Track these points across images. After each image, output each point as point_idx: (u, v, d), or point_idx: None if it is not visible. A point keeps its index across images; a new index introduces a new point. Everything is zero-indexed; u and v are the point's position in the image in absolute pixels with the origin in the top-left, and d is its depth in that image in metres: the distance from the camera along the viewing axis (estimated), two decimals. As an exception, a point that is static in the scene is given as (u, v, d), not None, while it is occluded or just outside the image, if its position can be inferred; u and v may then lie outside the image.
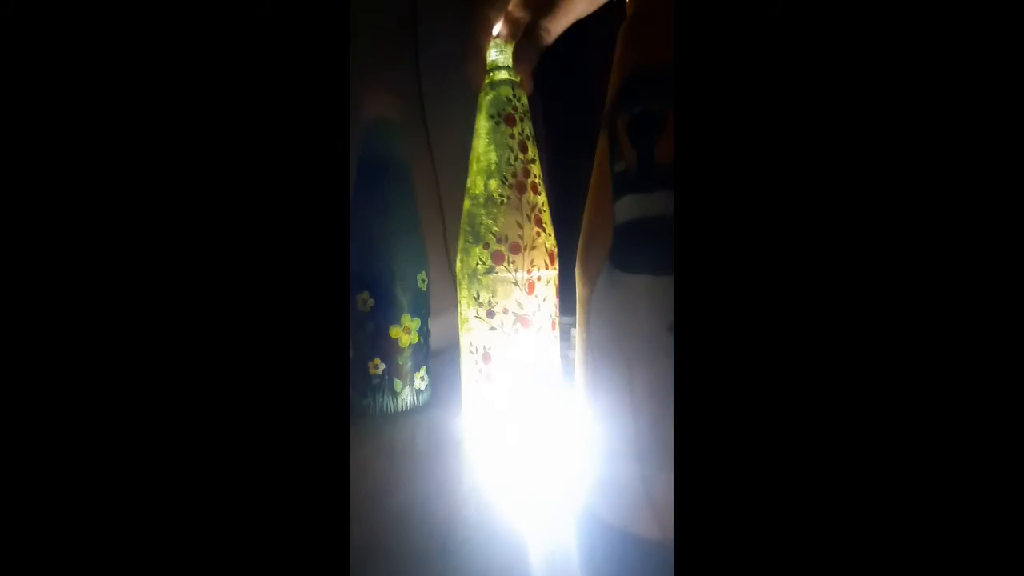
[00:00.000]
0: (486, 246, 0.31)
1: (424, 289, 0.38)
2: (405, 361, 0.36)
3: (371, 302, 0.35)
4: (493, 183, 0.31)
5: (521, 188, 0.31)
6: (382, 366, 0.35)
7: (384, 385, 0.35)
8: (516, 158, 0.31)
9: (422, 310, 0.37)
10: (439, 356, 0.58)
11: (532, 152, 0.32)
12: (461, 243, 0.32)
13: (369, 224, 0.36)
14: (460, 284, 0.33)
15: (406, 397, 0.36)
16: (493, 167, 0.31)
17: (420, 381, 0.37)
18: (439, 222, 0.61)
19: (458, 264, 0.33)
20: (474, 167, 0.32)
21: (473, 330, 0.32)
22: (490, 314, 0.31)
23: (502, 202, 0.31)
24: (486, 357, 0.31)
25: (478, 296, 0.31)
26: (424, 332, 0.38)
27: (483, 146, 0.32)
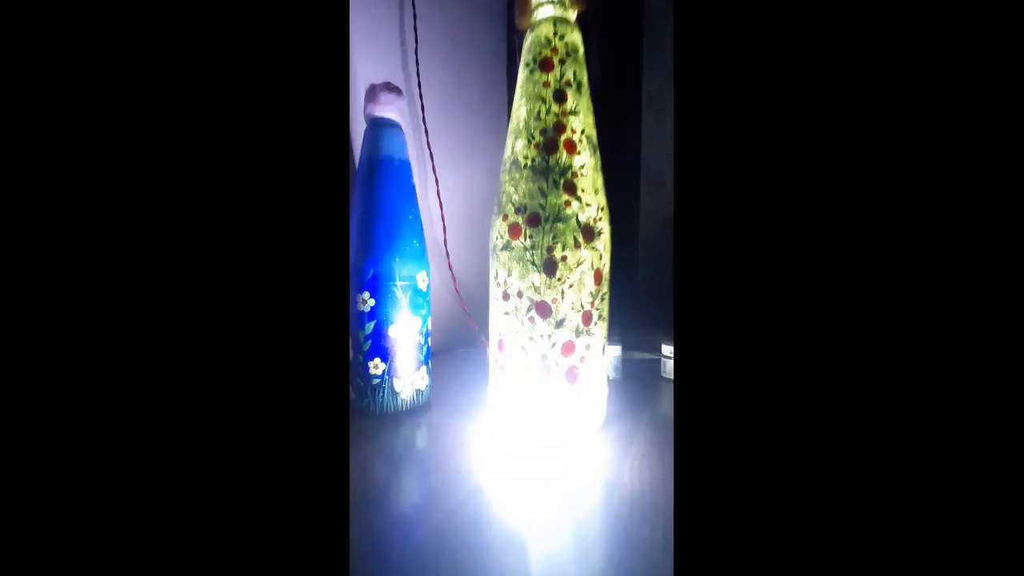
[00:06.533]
0: (505, 217, 0.26)
1: (424, 289, 0.38)
2: (405, 361, 0.36)
3: (371, 302, 0.35)
4: (520, 144, 0.26)
5: (551, 147, 0.25)
6: (382, 366, 0.35)
7: (384, 385, 0.35)
8: (548, 111, 0.25)
9: (422, 310, 0.37)
10: (439, 356, 0.58)
11: (575, 102, 0.25)
12: (492, 222, 0.28)
13: (369, 224, 0.36)
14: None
15: (406, 397, 0.36)
16: (521, 125, 0.26)
17: (420, 381, 0.37)
18: (439, 222, 0.61)
19: (490, 242, 0.29)
20: (509, 129, 0.28)
21: (494, 314, 0.28)
22: (505, 296, 0.26)
23: (525, 165, 0.25)
24: (500, 344, 0.27)
25: (496, 275, 0.27)
26: (424, 332, 0.38)
27: (516, 102, 0.27)
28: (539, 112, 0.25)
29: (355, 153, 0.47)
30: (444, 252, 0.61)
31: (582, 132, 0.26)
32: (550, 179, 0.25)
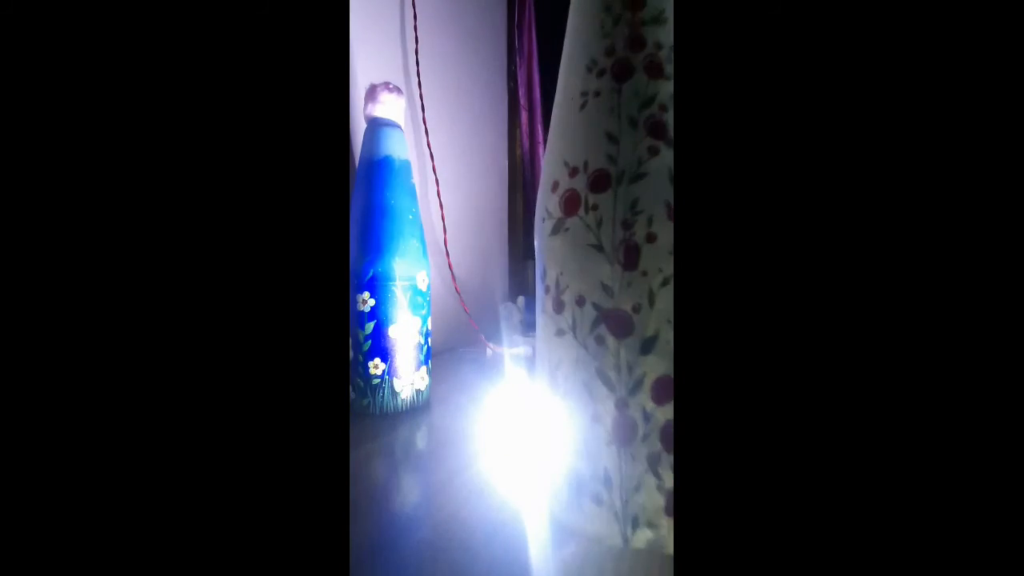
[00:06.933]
0: (555, 186, 0.17)
1: (424, 289, 0.38)
2: (405, 361, 0.36)
3: (371, 302, 0.35)
4: (575, 78, 0.17)
5: (623, 71, 0.16)
6: (382, 366, 0.35)
7: (384, 385, 0.35)
8: (618, 20, 0.16)
9: (422, 310, 0.37)
10: (439, 356, 0.58)
11: (659, 6, 0.16)
12: (538, 195, 0.19)
13: (369, 224, 0.36)
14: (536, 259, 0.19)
15: (406, 397, 0.36)
16: (577, 54, 0.17)
17: (420, 381, 0.37)
18: (439, 222, 0.61)
19: (535, 225, 0.20)
20: (557, 89, 0.19)
21: (543, 336, 0.18)
22: (558, 305, 0.17)
23: (583, 104, 0.17)
24: (554, 379, 0.17)
25: (544, 272, 0.18)
26: (424, 332, 0.38)
27: (568, 32, 0.18)
28: (603, 25, 0.16)
29: (355, 153, 0.47)
30: (444, 252, 0.61)
31: (669, 47, 0.16)
32: (624, 116, 0.16)
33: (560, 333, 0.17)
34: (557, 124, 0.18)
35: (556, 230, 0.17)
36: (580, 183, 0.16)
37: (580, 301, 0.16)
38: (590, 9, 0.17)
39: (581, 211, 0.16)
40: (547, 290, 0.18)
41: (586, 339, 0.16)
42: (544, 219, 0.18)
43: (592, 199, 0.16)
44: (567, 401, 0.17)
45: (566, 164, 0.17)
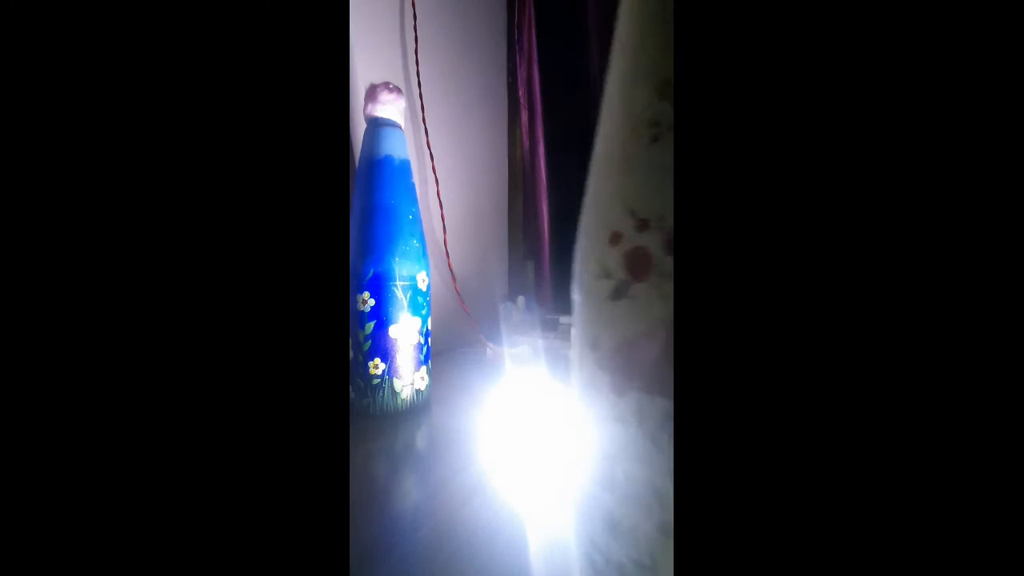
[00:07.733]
0: (615, 238, 0.14)
1: (424, 289, 0.38)
2: (405, 361, 0.36)
3: (371, 302, 0.35)
4: (639, 100, 0.13)
5: None
6: (382, 366, 0.35)
7: (384, 385, 0.35)
8: None
9: (422, 310, 0.37)
10: (439, 356, 0.58)
11: None
12: (579, 238, 0.16)
13: (369, 224, 0.36)
14: (576, 318, 0.16)
15: (406, 397, 0.36)
16: (642, 71, 0.13)
17: (420, 381, 0.37)
18: (439, 222, 0.61)
19: (575, 277, 0.16)
20: (606, 107, 0.14)
21: (590, 409, 0.15)
22: (618, 388, 0.14)
23: (655, 137, 0.13)
24: (608, 474, 0.15)
25: (594, 342, 0.14)
26: (424, 332, 0.38)
27: (622, 41, 0.14)
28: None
29: (355, 153, 0.47)
30: (444, 252, 0.61)
31: None
32: None
33: (620, 420, 0.14)
34: (612, 155, 0.14)
35: (618, 295, 0.14)
36: (653, 241, 0.13)
37: (648, 388, 0.14)
38: (656, 13, 0.13)
39: (654, 277, 0.13)
40: (599, 364, 0.14)
41: (656, 433, 0.13)
42: (598, 276, 0.14)
43: (669, 264, 0.13)
44: (627, 507, 0.14)
45: (632, 213, 0.13)
